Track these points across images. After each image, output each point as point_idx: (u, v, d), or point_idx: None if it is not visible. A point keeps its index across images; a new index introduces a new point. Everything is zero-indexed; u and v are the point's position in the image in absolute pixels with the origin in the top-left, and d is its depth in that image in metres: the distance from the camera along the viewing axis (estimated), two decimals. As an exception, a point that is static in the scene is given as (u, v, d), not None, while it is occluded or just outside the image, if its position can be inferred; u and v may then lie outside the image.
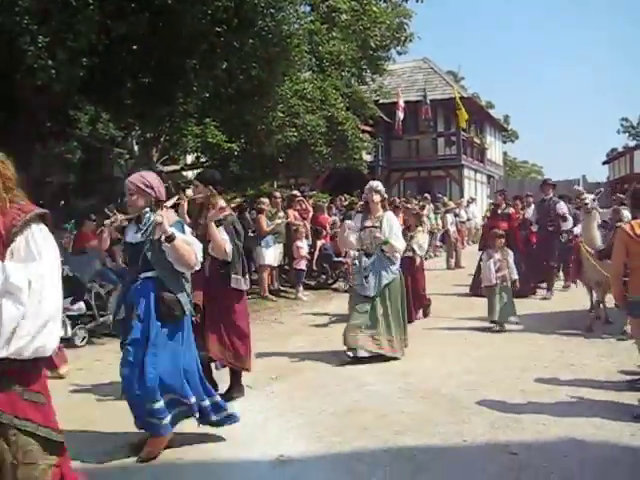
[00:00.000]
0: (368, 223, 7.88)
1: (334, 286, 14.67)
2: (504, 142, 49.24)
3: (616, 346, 8.01)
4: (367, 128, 22.65)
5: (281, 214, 14.00)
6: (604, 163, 46.78)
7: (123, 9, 8.76)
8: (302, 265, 13.32)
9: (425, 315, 10.72)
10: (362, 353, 7.64)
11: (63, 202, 13.72)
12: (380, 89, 24.78)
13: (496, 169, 39.70)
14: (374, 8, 18.69)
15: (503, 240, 9.92)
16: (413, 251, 10.33)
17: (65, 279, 8.76)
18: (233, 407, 5.74)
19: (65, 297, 8.52)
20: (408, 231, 10.60)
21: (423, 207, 20.94)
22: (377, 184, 8.10)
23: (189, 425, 5.17)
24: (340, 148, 17.29)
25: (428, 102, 29.03)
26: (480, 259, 11.59)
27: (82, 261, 9.21)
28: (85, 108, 12.58)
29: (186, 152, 16.27)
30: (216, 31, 9.81)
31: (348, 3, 18.03)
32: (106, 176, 16.79)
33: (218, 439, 5.24)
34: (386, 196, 8.30)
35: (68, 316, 8.42)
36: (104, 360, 7.87)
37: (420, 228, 10.89)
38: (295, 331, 8.64)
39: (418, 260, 10.65)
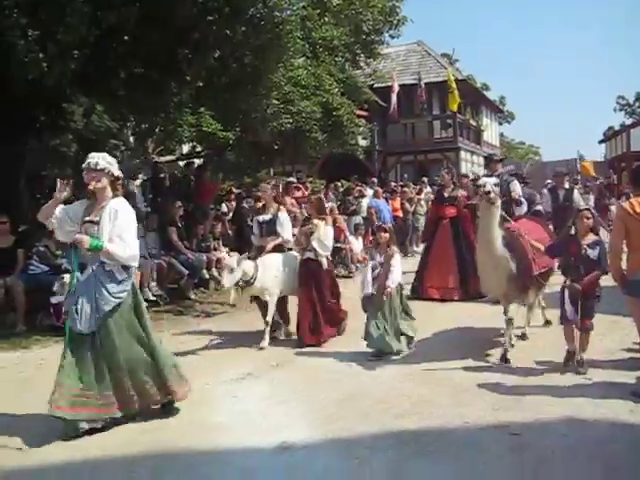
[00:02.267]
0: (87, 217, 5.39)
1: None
2: (500, 123, 49.15)
3: (614, 325, 8.02)
4: (362, 113, 22.57)
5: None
6: (601, 142, 46.71)
7: (113, 0, 8.70)
8: (300, 252, 13.31)
9: (339, 333, 8.45)
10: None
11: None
12: (374, 73, 24.70)
13: (493, 150, 39.62)
14: (365, -8, 18.58)
15: (387, 236, 7.55)
16: (315, 252, 8.24)
17: (64, 272, 8.82)
18: (237, 392, 5.82)
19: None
20: (306, 223, 8.60)
21: (420, 191, 20.93)
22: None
23: (194, 411, 5.21)
24: (336, 134, 17.22)
25: (423, 85, 28.93)
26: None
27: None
28: (79, 101, 12.49)
29: (182, 142, 16.20)
30: (207, 20, 9.74)
31: (339, -13, 17.93)
32: (102, 168, 16.72)
33: (221, 426, 5.28)
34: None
35: (68, 309, 8.43)
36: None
37: (317, 222, 8.32)
38: (292, 317, 8.66)
39: (324, 262, 8.34)
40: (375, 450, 4.71)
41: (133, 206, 8.16)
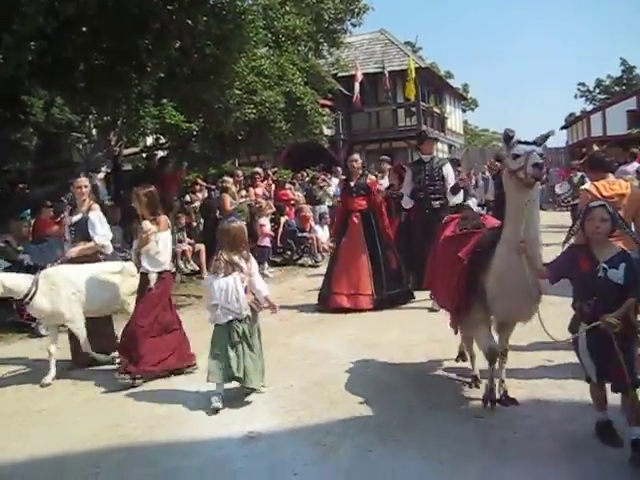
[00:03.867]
0: None
1: (300, 262, 14.74)
2: (464, 111, 49.51)
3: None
4: (327, 102, 22.58)
5: (243, 192, 14.00)
6: (562, 128, 47.28)
7: (71, -10, 8.58)
8: (266, 242, 13.34)
9: (175, 371, 6.54)
10: None
11: (21, 190, 13.49)
12: (338, 62, 24.69)
13: (457, 138, 39.99)
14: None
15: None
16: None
17: (26, 268, 8.74)
18: (201, 387, 5.81)
19: (27, 286, 8.43)
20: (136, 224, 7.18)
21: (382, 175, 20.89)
22: None
23: (157, 404, 5.21)
24: (300, 123, 17.22)
25: (387, 74, 29.03)
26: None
27: (42, 249, 9.09)
28: (38, 93, 12.34)
29: (145, 134, 16.06)
30: (168, 9, 9.66)
31: (299, -24, 17.86)
32: (64, 162, 16.53)
33: (186, 419, 5.29)
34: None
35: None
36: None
37: (149, 226, 6.40)
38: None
39: (153, 279, 6.38)
40: (342, 437, 4.75)
41: (97, 200, 8.13)
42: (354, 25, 20.81)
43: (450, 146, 36.93)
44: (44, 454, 4.74)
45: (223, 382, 5.57)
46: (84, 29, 9.21)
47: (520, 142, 4.75)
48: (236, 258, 5.67)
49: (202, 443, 4.82)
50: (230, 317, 5.57)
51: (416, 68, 28.87)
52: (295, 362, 6.80)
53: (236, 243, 5.71)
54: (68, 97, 11.92)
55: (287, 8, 16.99)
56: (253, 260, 5.87)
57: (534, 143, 4.73)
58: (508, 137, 4.86)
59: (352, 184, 9.65)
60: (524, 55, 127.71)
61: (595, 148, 14.27)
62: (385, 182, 12.10)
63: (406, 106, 31.58)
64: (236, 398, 5.67)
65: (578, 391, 5.28)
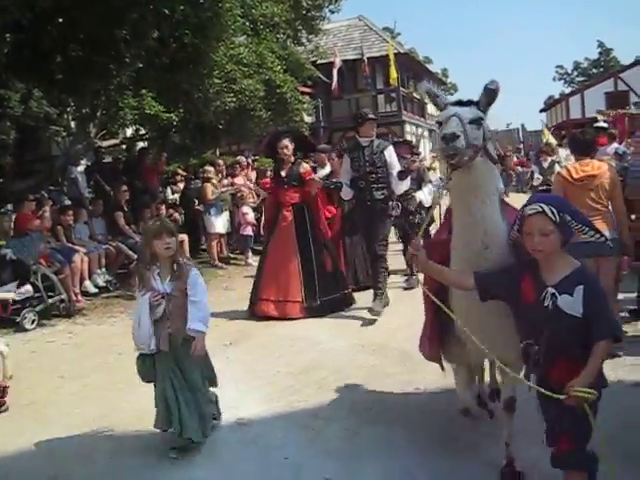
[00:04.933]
0: None
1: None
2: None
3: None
4: (306, 90, 22.53)
5: (225, 181, 14.00)
6: (541, 111, 47.60)
7: (46, -18, 8.50)
8: (249, 231, 13.36)
9: None
10: None
11: (1, 184, 13.38)
12: (317, 49, 24.60)
13: (433, 122, 40.07)
14: (302, -33, 18.49)
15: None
16: None
17: (9, 263, 8.69)
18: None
19: (10, 281, 8.44)
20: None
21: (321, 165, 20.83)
22: None
23: (147, 395, 5.22)
24: (280, 111, 17.15)
25: (365, 60, 29.01)
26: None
27: (25, 243, 9.04)
28: (15, 86, 12.20)
29: (124, 125, 15.93)
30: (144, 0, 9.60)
31: (275, -38, 17.76)
32: (44, 155, 16.39)
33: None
34: None
35: (14, 300, 8.30)
36: (57, 341, 7.85)
37: None
38: (246, 297, 8.68)
39: None
40: (330, 420, 4.82)
41: (77, 192, 8.10)
42: (332, 12, 20.75)
43: (430, 131, 37.02)
44: (34, 447, 4.75)
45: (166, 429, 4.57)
46: (60, 20, 9.12)
47: (452, 103, 3.56)
48: (148, 273, 4.37)
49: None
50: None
51: (395, 54, 28.86)
52: (282, 349, 6.84)
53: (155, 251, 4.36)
54: (46, 89, 11.80)
55: (264, -4, 16.91)
56: (193, 278, 4.39)
57: (468, 103, 3.51)
58: (434, 95, 3.68)
59: (283, 174, 8.53)
60: (502, 38, 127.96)
61: None
62: (325, 171, 10.83)
63: (386, 92, 31.58)
64: (225, 385, 5.71)
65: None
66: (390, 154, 8.05)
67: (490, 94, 3.50)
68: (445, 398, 5.02)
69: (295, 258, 8.35)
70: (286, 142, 8.53)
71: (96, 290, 10.19)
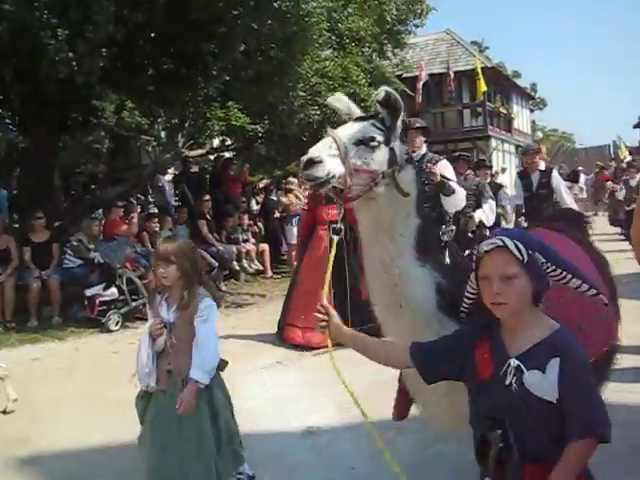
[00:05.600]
0: None
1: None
2: (532, 111, 48.61)
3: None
4: (391, 103, 22.52)
5: (307, 193, 14.14)
6: (635, 127, 45.87)
7: (139, -1, 8.89)
8: (330, 243, 13.43)
9: None
10: None
11: (93, 191, 13.98)
12: (402, 63, 24.59)
13: (524, 139, 39.25)
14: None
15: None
16: None
17: (97, 266, 9.07)
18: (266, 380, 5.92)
19: (98, 283, 8.81)
20: None
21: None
22: None
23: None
24: (364, 124, 17.26)
25: (452, 74, 28.81)
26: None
27: (112, 247, 9.43)
28: (109, 97, 12.75)
29: (211, 136, 16.40)
30: (232, 14, 9.87)
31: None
32: (134, 163, 17.03)
33: (248, 412, 5.40)
34: None
35: (101, 301, 8.67)
36: (138, 343, 8.10)
37: None
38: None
39: None
40: (400, 433, 4.79)
41: (164, 200, 8.36)
42: (417, 26, 20.73)
43: (517, 147, 36.36)
44: (113, 440, 4.93)
45: None
46: (152, 35, 9.49)
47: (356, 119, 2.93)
48: (158, 298, 3.80)
49: (262, 436, 4.93)
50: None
51: (482, 68, 28.55)
52: (356, 360, 6.83)
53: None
54: (137, 101, 12.29)
55: (350, 10, 17.04)
56: (203, 313, 3.62)
57: (363, 119, 2.88)
58: (337, 109, 3.15)
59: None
60: (595, 50, 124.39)
61: None
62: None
63: (472, 106, 31.25)
64: (299, 393, 5.77)
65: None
66: (443, 169, 6.82)
67: (388, 106, 2.81)
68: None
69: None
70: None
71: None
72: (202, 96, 11.41)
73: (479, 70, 26.26)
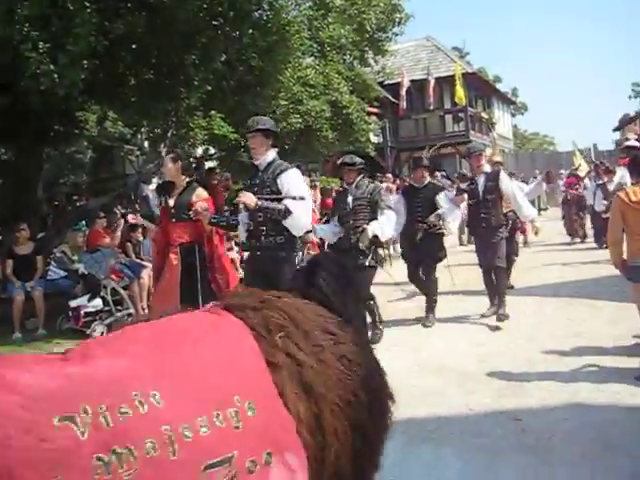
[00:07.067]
0: None
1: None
2: (513, 115, 49.00)
3: (624, 311, 8.07)
4: (373, 110, 22.71)
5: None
6: (615, 130, 46.33)
7: (120, 10, 8.92)
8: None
9: None
10: None
11: (76, 201, 13.98)
12: (383, 70, 24.80)
13: (506, 143, 39.58)
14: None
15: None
16: None
17: (81, 277, 9.06)
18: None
19: (82, 294, 8.83)
20: None
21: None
22: None
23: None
24: (346, 132, 17.40)
25: (432, 80, 29.05)
26: None
27: (96, 258, 9.44)
28: (91, 108, 12.77)
29: (194, 145, 16.47)
30: (213, 25, 9.94)
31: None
32: (118, 174, 17.05)
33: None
34: None
35: (86, 312, 8.68)
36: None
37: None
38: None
39: None
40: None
41: (148, 210, 8.37)
42: (396, 34, 20.93)
43: (499, 151, 36.63)
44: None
45: None
46: (133, 46, 9.53)
47: None
48: None
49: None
50: None
51: (463, 73, 28.79)
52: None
53: None
54: (120, 111, 12.33)
55: (330, 19, 17.19)
56: None
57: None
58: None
59: (171, 203, 6.75)
60: (575, 57, 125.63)
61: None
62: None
63: (454, 112, 31.49)
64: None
65: (616, 394, 5.33)
66: (289, 180, 5.97)
67: None
68: (497, 419, 5.02)
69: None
70: (166, 160, 7.01)
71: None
72: (184, 106, 11.47)
73: (458, 76, 26.50)
